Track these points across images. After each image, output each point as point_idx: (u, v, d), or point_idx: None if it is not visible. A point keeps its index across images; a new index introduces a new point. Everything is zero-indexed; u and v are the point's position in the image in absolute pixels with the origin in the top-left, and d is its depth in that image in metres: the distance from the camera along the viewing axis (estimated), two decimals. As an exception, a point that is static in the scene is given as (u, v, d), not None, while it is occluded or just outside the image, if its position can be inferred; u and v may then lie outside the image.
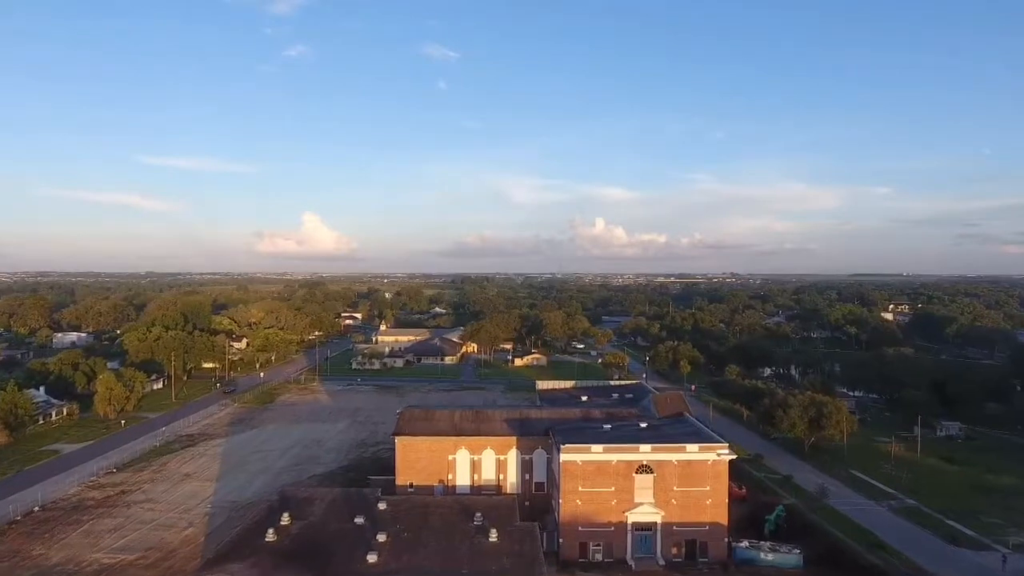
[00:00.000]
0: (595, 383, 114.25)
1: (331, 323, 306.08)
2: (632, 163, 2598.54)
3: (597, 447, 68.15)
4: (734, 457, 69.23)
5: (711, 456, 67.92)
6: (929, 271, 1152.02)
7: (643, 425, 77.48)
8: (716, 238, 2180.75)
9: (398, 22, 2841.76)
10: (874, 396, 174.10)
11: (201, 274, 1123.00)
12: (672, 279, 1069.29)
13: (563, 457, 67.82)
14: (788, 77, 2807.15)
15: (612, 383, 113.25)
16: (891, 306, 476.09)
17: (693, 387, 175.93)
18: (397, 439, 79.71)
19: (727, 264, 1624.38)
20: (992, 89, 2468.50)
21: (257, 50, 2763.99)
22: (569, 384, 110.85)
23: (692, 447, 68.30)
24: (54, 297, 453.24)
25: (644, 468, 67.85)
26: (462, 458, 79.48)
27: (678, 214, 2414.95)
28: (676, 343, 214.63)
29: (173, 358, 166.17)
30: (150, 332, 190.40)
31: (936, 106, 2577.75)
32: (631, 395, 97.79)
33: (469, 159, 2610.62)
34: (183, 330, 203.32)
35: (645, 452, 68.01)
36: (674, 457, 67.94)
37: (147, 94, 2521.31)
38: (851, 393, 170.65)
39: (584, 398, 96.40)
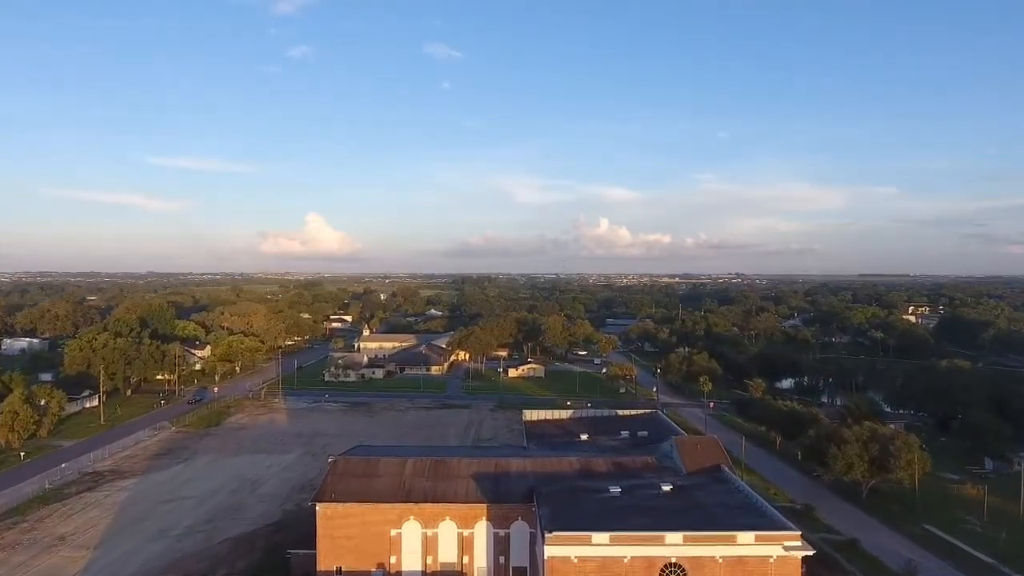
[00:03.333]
0: (596, 413, 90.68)
1: (311, 327, 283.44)
2: (636, 163, 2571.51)
3: (601, 536, 45.01)
4: (811, 553, 45.83)
5: (774, 550, 44.73)
6: (935, 271, 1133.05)
7: (666, 488, 54.43)
8: (720, 238, 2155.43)
9: (402, 22, 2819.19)
10: (920, 415, 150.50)
11: (202, 274, 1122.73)
12: (677, 279, 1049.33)
13: (550, 551, 44.68)
14: (793, 76, 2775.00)
15: (620, 413, 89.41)
16: (911, 308, 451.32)
17: (711, 404, 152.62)
18: (319, 507, 56.57)
19: (732, 264, 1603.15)
20: (997, 88, 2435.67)
21: (261, 50, 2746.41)
22: (564, 415, 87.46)
23: (745, 536, 45.07)
24: (33, 298, 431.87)
25: (673, 568, 44.70)
26: (411, 533, 56.40)
27: (682, 214, 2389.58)
28: (689, 351, 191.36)
29: (104, 371, 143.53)
30: (95, 340, 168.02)
31: (941, 106, 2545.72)
32: (645, 432, 74.47)
33: (473, 159, 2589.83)
34: (134, 337, 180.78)
35: (674, 543, 44.83)
36: (718, 552, 44.78)
37: (151, 94, 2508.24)
38: (899, 412, 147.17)
39: (584, 436, 73.18)
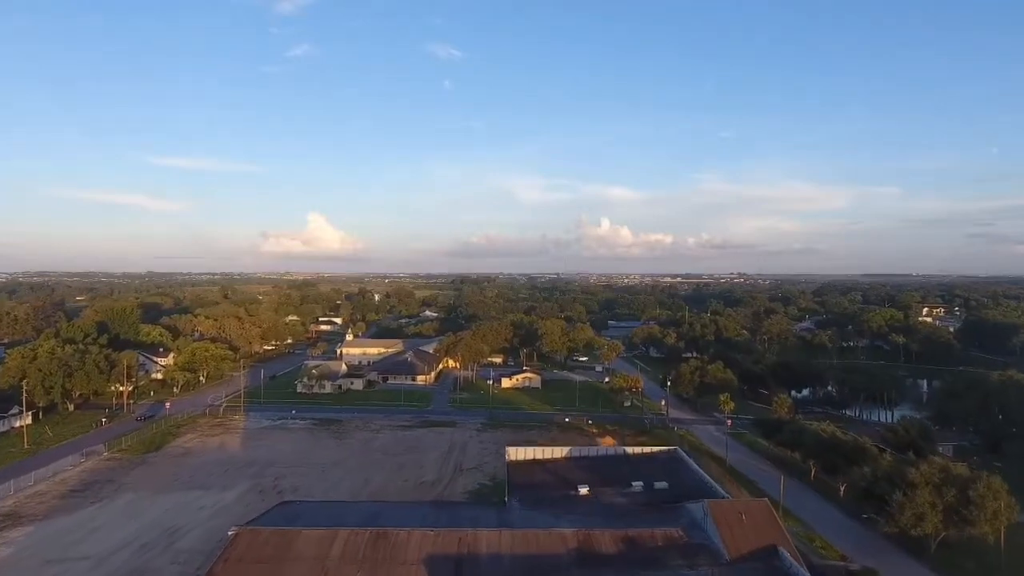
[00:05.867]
0: (598, 452, 72.22)
1: (293, 330, 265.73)
2: (638, 162, 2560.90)
3: None
4: None
5: None
6: (939, 271, 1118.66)
7: (705, 591, 36.41)
8: (723, 238, 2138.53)
9: (403, 21, 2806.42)
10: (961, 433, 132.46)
11: (201, 274, 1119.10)
12: (679, 279, 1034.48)
13: None
14: (795, 76, 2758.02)
15: (630, 451, 70.98)
16: (924, 309, 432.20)
17: (730, 422, 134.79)
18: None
19: (734, 264, 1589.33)
20: (1000, 88, 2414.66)
21: (262, 50, 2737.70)
22: (560, 452, 69.29)
23: None
24: (20, 299, 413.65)
25: None
26: (329, 654, 38.46)
27: (684, 214, 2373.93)
28: (701, 359, 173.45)
29: (40, 383, 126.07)
30: (40, 347, 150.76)
31: (944, 105, 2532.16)
32: (664, 484, 56.57)
33: (475, 159, 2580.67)
34: (88, 343, 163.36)
35: None
36: None
37: (153, 94, 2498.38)
38: (938, 427, 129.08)
39: (583, 490, 55.23)
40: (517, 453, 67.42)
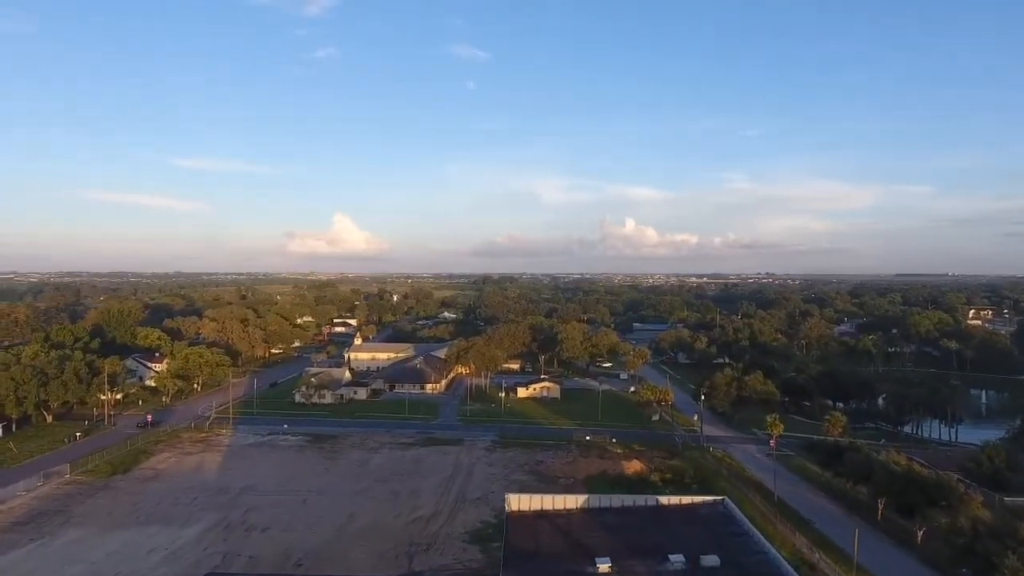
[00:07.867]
0: (624, 501, 56.80)
1: (300, 333, 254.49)
2: (662, 162, 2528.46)
3: None
4: None
5: None
6: (974, 271, 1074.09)
7: None
8: (751, 238, 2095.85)
9: (426, 22, 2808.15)
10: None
11: (226, 274, 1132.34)
12: (705, 279, 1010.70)
13: None
14: (823, 73, 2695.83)
15: (664, 502, 55.54)
16: (972, 312, 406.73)
17: (773, 442, 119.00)
18: None
19: (761, 264, 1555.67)
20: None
21: (287, 52, 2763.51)
22: (575, 502, 54.30)
23: None
24: (46, 299, 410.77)
25: None
26: None
27: (710, 214, 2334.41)
28: (736, 366, 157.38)
29: (13, 393, 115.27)
30: (23, 353, 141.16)
31: (976, 102, 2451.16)
32: (714, 560, 41.66)
33: (499, 159, 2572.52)
34: (78, 348, 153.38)
35: None
36: None
37: (181, 97, 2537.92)
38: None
39: (604, 566, 40.76)
40: (520, 502, 52.87)
